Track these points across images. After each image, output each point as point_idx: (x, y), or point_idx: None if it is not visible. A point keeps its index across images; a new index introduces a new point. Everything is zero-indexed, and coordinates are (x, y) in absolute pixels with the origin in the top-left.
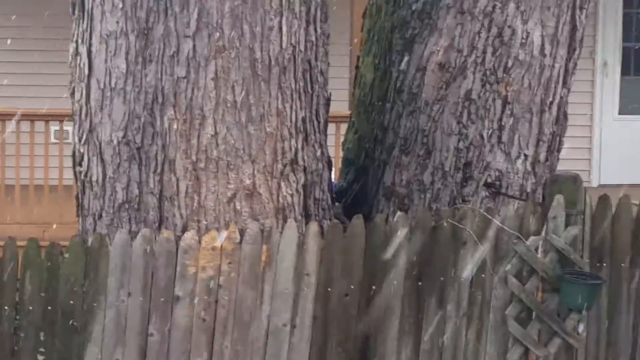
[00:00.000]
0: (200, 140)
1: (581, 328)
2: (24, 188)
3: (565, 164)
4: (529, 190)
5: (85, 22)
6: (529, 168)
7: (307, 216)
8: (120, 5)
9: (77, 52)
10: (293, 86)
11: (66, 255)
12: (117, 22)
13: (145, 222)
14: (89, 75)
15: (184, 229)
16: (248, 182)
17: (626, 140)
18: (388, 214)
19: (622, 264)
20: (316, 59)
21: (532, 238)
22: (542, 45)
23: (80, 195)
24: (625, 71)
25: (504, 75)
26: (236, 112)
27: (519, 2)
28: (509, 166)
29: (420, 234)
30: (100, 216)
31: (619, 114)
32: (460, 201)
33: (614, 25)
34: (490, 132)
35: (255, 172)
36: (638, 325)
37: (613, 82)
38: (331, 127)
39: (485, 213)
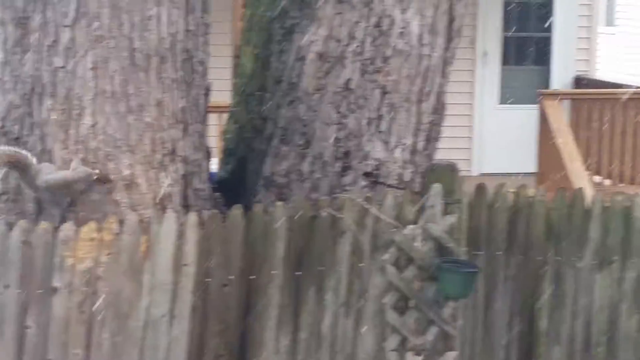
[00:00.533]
0: (78, 130)
1: (457, 315)
2: None
3: (446, 153)
4: (407, 179)
5: None
6: (407, 157)
7: (186, 206)
8: None
9: None
10: (172, 76)
11: None
12: None
13: (23, 214)
14: None
15: (63, 220)
16: (127, 172)
17: (506, 130)
18: (267, 204)
19: (498, 252)
20: (196, 49)
21: (409, 227)
22: (421, 34)
23: None
24: (505, 61)
25: (383, 64)
26: (115, 102)
27: None
28: (388, 155)
29: (299, 223)
30: None
31: (500, 103)
32: (340, 191)
33: (494, 15)
34: (369, 121)
35: (134, 162)
36: (514, 312)
37: (493, 72)
38: (214, 118)
39: (363, 202)
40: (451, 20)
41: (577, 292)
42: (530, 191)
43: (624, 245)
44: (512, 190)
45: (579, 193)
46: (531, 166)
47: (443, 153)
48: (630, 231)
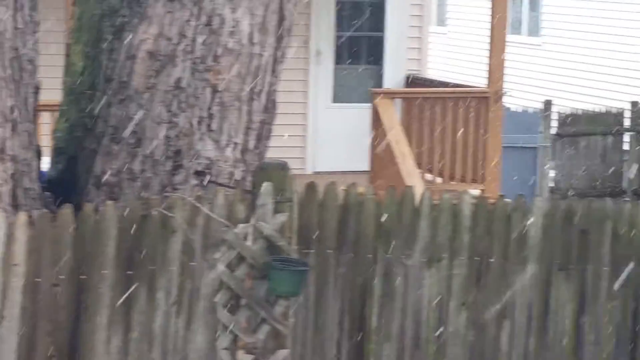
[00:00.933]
0: None
1: (289, 313)
2: None
3: (280, 152)
4: (238, 178)
5: None
6: (238, 156)
7: (16, 206)
8: None
9: None
10: (0, 74)
11: None
12: None
13: None
14: None
15: None
16: None
17: (340, 128)
18: (98, 203)
19: (329, 250)
20: (24, 47)
21: (240, 226)
22: (251, 33)
23: None
24: (339, 60)
25: (214, 63)
26: None
27: None
28: (219, 154)
29: (130, 223)
30: None
31: (333, 102)
32: (171, 190)
33: (327, 15)
34: (200, 120)
35: None
36: (344, 310)
37: (327, 71)
38: (46, 116)
39: (194, 201)
40: (281, 19)
41: (407, 289)
42: (361, 189)
43: (452, 242)
44: (343, 188)
45: (408, 191)
46: (365, 164)
47: (277, 152)
48: (459, 229)
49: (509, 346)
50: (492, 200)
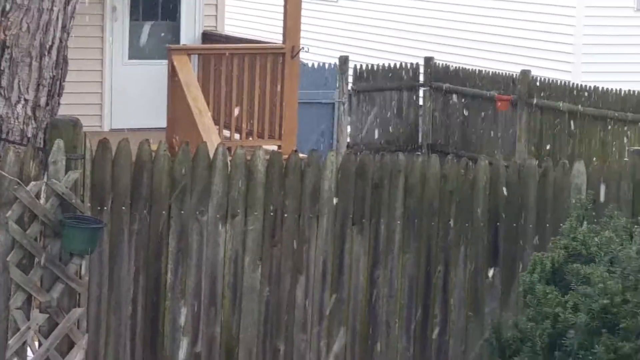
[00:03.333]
0: None
1: (83, 271)
2: None
3: (76, 109)
4: (30, 135)
5: None
6: (29, 113)
7: None
8: None
9: None
10: None
11: None
12: None
13: None
14: None
15: None
16: None
17: (137, 85)
18: None
19: (123, 207)
20: None
21: (32, 183)
22: None
23: None
24: (135, 16)
25: (3, 18)
26: None
27: None
28: (9, 111)
29: None
30: None
31: (129, 58)
32: None
33: None
34: None
35: None
36: (139, 267)
37: (122, 27)
38: None
39: None
40: None
41: (202, 245)
42: (154, 146)
43: (246, 198)
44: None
45: (201, 147)
46: (163, 121)
47: (73, 109)
48: (253, 184)
49: (304, 300)
50: (285, 156)
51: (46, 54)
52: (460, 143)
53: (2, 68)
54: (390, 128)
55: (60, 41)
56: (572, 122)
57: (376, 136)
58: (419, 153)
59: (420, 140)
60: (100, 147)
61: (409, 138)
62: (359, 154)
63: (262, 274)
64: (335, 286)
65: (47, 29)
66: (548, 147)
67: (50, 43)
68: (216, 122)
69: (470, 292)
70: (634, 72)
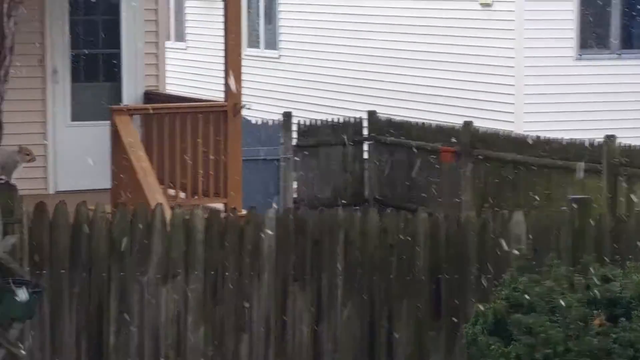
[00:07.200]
0: None
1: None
2: None
3: (21, 172)
4: None
5: None
6: None
7: None
8: None
9: None
10: None
11: None
12: None
13: None
14: None
15: None
16: None
17: (80, 146)
18: None
19: (62, 270)
20: None
21: None
22: None
23: None
24: (76, 78)
25: None
26: None
27: None
28: None
29: None
30: None
31: (72, 120)
32: None
33: (61, 33)
34: None
35: None
36: (80, 330)
37: (64, 89)
38: None
39: None
40: (2, 38)
41: (144, 306)
42: (91, 207)
43: (187, 257)
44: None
45: (140, 208)
46: (108, 182)
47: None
48: (192, 243)
49: (249, 358)
50: (224, 214)
51: None
52: (406, 196)
53: None
54: (336, 183)
55: None
56: (515, 172)
57: (323, 191)
58: (363, 207)
59: (366, 193)
60: (37, 210)
61: (356, 192)
62: (309, 209)
63: (205, 333)
64: (280, 343)
65: None
66: (492, 197)
67: None
68: (161, 181)
69: (414, 346)
70: (576, 121)
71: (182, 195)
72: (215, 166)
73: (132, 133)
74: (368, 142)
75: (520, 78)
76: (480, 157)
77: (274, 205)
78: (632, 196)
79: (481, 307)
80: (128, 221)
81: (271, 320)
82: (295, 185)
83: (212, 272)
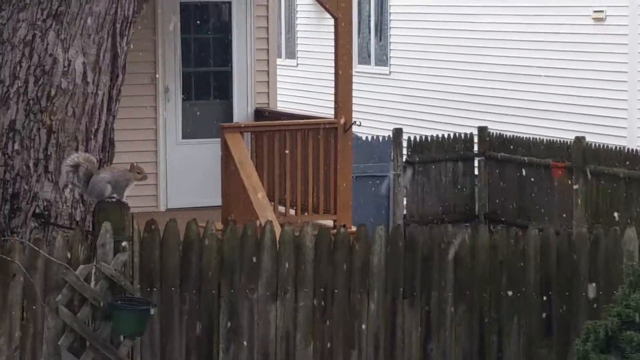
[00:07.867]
0: None
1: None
2: None
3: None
4: (78, 218)
5: None
6: (77, 196)
7: None
8: None
9: None
10: None
11: None
12: None
13: None
14: None
15: None
16: None
17: (191, 164)
18: None
19: (172, 288)
20: None
21: (81, 267)
22: (85, 73)
23: None
24: (187, 96)
25: (48, 104)
26: None
27: (59, 31)
28: (57, 195)
29: None
30: None
31: (183, 138)
32: (9, 233)
33: (173, 51)
34: (36, 162)
35: None
36: (191, 347)
37: (175, 107)
38: None
39: (32, 245)
40: (115, 57)
41: (253, 323)
42: (202, 224)
43: (296, 275)
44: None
45: (249, 225)
46: (218, 200)
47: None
48: (302, 260)
49: None
50: (334, 231)
51: (92, 137)
52: (517, 212)
53: (49, 153)
54: (446, 199)
55: (106, 124)
56: (628, 188)
57: (432, 207)
58: (474, 223)
59: (477, 209)
60: (147, 228)
61: (466, 208)
62: (412, 225)
63: (315, 350)
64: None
65: (93, 112)
66: (604, 213)
67: (95, 127)
68: (271, 198)
69: None
70: None
71: (291, 212)
72: (325, 183)
73: (242, 150)
74: (478, 158)
75: (633, 92)
76: (591, 172)
77: (389, 220)
78: None
79: (592, 324)
80: (238, 238)
81: (380, 337)
82: (405, 201)
83: (322, 289)
